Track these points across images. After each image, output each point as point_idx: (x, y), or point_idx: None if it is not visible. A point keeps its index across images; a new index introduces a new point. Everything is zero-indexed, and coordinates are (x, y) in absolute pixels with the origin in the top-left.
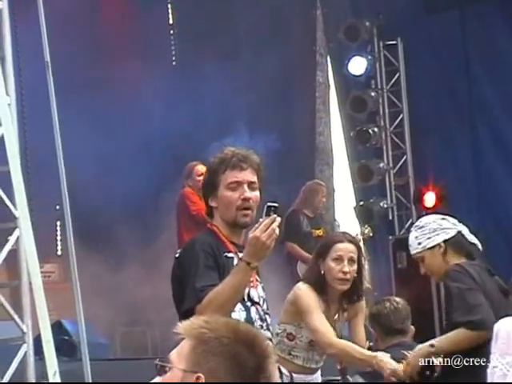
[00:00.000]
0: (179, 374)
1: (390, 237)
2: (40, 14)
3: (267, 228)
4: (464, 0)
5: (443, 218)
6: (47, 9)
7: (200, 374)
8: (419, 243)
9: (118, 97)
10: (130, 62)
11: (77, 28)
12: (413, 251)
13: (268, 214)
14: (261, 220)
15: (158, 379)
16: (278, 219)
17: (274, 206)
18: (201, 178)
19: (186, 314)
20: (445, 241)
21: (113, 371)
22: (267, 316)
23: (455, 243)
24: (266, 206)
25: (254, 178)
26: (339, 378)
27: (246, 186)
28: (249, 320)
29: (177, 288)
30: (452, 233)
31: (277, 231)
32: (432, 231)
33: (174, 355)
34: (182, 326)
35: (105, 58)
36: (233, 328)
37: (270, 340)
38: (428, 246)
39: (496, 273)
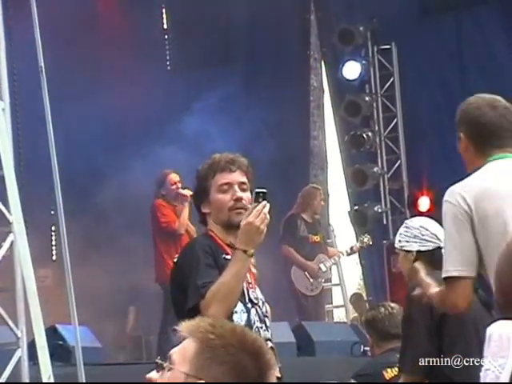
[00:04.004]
0: (181, 376)
1: (385, 241)
2: (34, 18)
3: (259, 213)
4: (460, 4)
5: (427, 229)
6: (41, 13)
7: (203, 381)
8: (399, 241)
9: (112, 101)
10: (125, 66)
11: (71, 33)
12: (395, 244)
13: (257, 201)
14: (250, 206)
15: (154, 373)
16: (268, 205)
17: (262, 192)
18: (174, 186)
19: (190, 313)
20: (418, 251)
21: (107, 376)
22: (266, 318)
23: (429, 257)
24: (254, 193)
25: (244, 179)
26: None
27: (236, 187)
28: (249, 321)
29: (177, 291)
30: (429, 246)
31: (268, 216)
32: (412, 236)
33: (175, 355)
34: (186, 326)
35: (99, 63)
36: (239, 336)
37: (270, 340)
38: (404, 248)
39: (479, 286)
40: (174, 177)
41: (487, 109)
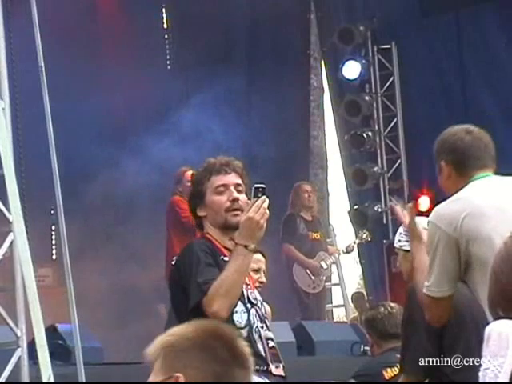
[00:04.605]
0: None
1: (385, 241)
2: (34, 19)
3: (259, 208)
4: (460, 3)
5: (427, 229)
6: (41, 13)
7: (177, 374)
8: (399, 240)
9: (112, 101)
10: (125, 66)
11: (71, 32)
12: (394, 243)
13: (256, 196)
14: (250, 202)
15: None
16: (267, 200)
17: (261, 188)
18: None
19: (193, 312)
20: None
21: (107, 375)
22: (266, 319)
23: None
24: (253, 188)
25: (239, 181)
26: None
27: (232, 188)
28: (249, 321)
29: (178, 292)
30: None
31: (267, 211)
32: None
33: (151, 378)
34: (148, 352)
35: (99, 62)
36: (196, 324)
37: (272, 340)
38: (403, 248)
39: None
40: (191, 174)
41: (463, 134)
